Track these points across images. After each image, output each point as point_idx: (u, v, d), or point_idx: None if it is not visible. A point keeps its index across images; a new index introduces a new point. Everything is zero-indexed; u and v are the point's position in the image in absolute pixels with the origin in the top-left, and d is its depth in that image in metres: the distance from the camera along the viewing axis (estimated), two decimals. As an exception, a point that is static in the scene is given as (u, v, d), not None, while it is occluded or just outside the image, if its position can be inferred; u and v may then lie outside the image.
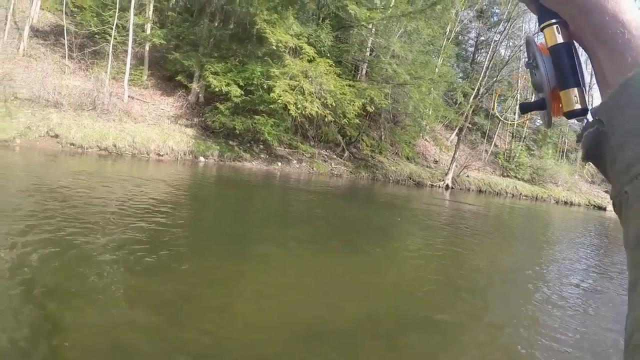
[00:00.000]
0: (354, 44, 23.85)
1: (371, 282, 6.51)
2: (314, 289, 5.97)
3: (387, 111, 23.91)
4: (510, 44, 34.98)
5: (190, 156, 20.04)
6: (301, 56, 21.33)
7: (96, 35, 21.74)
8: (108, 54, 21.07)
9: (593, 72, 0.54)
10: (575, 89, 0.54)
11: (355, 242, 8.98)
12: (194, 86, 21.91)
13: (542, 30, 0.57)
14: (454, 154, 24.63)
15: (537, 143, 39.72)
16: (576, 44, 0.56)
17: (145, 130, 19.94)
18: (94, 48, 21.91)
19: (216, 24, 22.77)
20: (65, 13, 22.05)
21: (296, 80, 20.32)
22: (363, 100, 21.66)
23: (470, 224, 14.43)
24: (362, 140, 24.58)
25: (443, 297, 6.44)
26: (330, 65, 21.40)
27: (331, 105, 20.70)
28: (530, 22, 35.07)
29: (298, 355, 4.20)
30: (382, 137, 25.19)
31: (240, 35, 22.82)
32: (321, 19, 23.84)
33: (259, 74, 20.57)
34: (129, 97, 21.09)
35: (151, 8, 23.07)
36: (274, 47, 20.60)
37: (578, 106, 0.54)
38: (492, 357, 4.68)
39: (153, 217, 8.54)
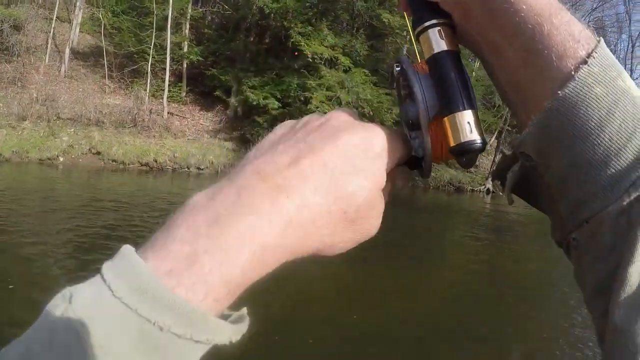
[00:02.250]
0: (389, 52, 23.75)
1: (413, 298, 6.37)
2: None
3: (424, 118, 23.66)
4: None
5: (230, 169, 20.03)
6: (337, 67, 21.31)
7: (135, 55, 22.25)
8: (147, 73, 21.50)
9: (494, 82, 0.39)
10: (469, 112, 0.38)
11: (398, 256, 8.71)
12: (232, 100, 22.10)
13: (417, 37, 0.41)
14: (493, 158, 24.15)
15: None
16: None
17: (185, 145, 20.16)
18: (132, 67, 22.39)
19: (252, 39, 23.02)
20: (104, 35, 22.58)
21: (333, 91, 20.27)
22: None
23: (517, 229, 13.98)
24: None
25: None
26: (366, 75, 21.29)
27: (369, 114, 20.54)
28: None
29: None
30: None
31: (275, 48, 22.99)
32: (355, 28, 23.82)
33: (295, 86, 20.62)
34: (168, 113, 21.41)
35: (187, 26, 23.48)
36: (309, 59, 20.64)
37: (474, 136, 0.38)
38: None
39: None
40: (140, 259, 0.29)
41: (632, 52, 40.39)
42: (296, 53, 20.87)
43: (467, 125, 0.38)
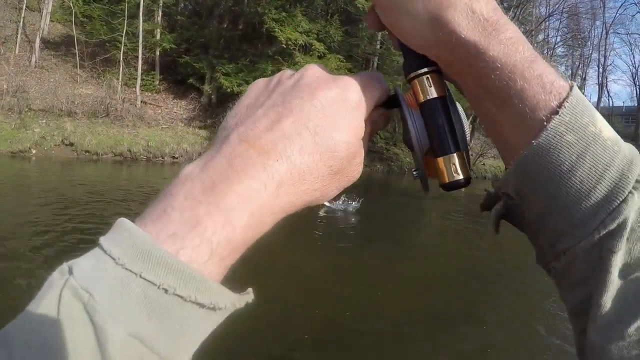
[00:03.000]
0: (364, 38, 23.70)
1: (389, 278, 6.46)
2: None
3: (400, 103, 23.74)
4: (522, 29, 33.42)
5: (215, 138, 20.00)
6: (311, 53, 21.23)
7: (107, 44, 21.88)
8: (119, 61, 21.20)
9: (479, 121, 0.43)
10: (454, 156, 0.42)
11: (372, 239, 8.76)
12: (206, 88, 21.92)
13: (409, 82, 0.44)
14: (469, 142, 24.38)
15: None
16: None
17: (159, 134, 19.99)
18: (105, 56, 22.05)
19: (225, 26, 22.82)
20: (75, 23, 22.17)
21: (307, 77, 20.19)
22: (376, 93, 21.45)
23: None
24: (376, 133, 24.32)
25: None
26: (340, 61, 21.29)
27: (344, 99, 20.55)
28: (540, 6, 34.67)
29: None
30: (396, 129, 24.98)
31: (249, 35, 22.84)
32: (329, 14, 23.74)
33: (270, 72, 20.43)
34: (141, 102, 21.18)
35: (160, 13, 23.17)
36: (283, 45, 20.52)
37: (458, 177, 0.42)
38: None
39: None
40: (139, 228, 0.31)
41: (606, 38, 40.85)
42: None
43: (452, 166, 0.42)
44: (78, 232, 7.39)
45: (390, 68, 23.41)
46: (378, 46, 24.42)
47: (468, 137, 0.45)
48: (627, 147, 0.37)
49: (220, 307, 0.32)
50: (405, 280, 6.45)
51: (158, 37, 22.48)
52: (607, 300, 0.34)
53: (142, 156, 19.07)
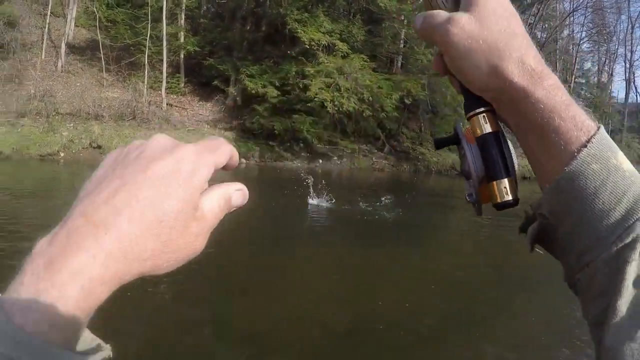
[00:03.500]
0: (387, 37, 23.59)
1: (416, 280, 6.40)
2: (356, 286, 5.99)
3: (425, 102, 23.51)
4: (546, 25, 33.80)
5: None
6: (335, 53, 21.19)
7: (131, 47, 22.11)
8: (144, 65, 21.37)
9: (524, 151, 0.52)
10: (505, 180, 0.51)
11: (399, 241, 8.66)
12: (231, 90, 22.04)
13: (468, 119, 0.53)
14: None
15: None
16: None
17: (186, 136, 20.09)
18: (130, 60, 22.27)
19: (248, 28, 22.90)
20: (99, 28, 22.42)
21: (331, 78, 20.19)
22: (400, 92, 21.34)
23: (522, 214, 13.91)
24: (402, 133, 24.24)
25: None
26: (364, 60, 21.22)
27: (368, 100, 20.48)
28: (564, 1, 34.21)
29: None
30: (422, 129, 24.81)
31: (272, 36, 22.89)
32: (352, 14, 23.67)
33: (294, 73, 20.55)
34: (167, 104, 21.35)
35: (183, 17, 23.33)
36: (307, 45, 20.56)
37: (509, 198, 0.51)
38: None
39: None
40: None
41: (631, 33, 40.21)
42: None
43: (504, 189, 0.50)
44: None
45: (414, 67, 23.28)
46: (402, 45, 24.30)
47: (516, 166, 0.52)
48: None
49: None
50: (435, 280, 6.39)
51: (182, 40, 22.66)
52: (622, 305, 0.40)
53: (169, 158, 19.17)
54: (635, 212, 0.42)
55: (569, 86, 36.20)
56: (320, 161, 21.74)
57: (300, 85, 20.40)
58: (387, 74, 22.87)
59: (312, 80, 19.85)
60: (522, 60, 0.47)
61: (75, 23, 24.66)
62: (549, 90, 0.46)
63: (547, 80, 0.46)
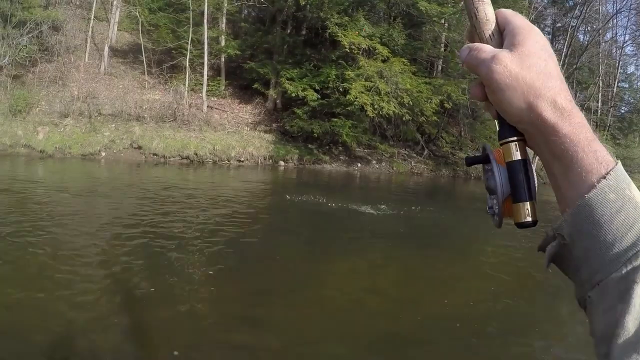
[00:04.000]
0: (427, 41, 23.42)
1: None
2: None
3: (465, 107, 23.24)
4: (588, 28, 32.96)
5: (270, 161, 20.18)
6: (375, 57, 21.12)
7: (173, 51, 22.46)
8: (185, 68, 21.64)
9: (548, 177, 0.57)
10: (527, 203, 0.57)
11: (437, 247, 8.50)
12: (271, 93, 22.16)
13: (501, 145, 0.59)
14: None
15: (622, 131, 37.21)
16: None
17: (225, 138, 20.27)
18: (171, 63, 22.62)
19: (288, 31, 23.01)
20: (142, 32, 22.80)
21: (371, 81, 20.11)
22: (440, 97, 21.14)
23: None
24: (442, 137, 24.02)
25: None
26: (404, 64, 21.05)
27: (408, 104, 20.31)
28: (607, 3, 33.38)
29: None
30: (462, 133, 24.54)
31: (313, 40, 22.98)
32: (392, 17, 23.56)
33: (334, 77, 20.53)
34: (208, 107, 21.56)
35: (224, 21, 23.62)
36: (347, 49, 20.52)
37: (529, 219, 0.57)
38: None
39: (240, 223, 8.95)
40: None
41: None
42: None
43: (525, 211, 0.56)
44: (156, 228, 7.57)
45: (454, 71, 23.03)
46: (442, 49, 24.06)
47: (536, 190, 0.58)
48: None
49: None
50: (473, 287, 6.26)
51: (223, 43, 22.92)
52: (630, 321, 0.44)
53: (208, 159, 19.37)
54: None
55: (612, 90, 35.40)
56: (359, 165, 21.68)
57: (340, 89, 20.40)
58: (427, 77, 22.66)
59: (351, 84, 19.80)
60: (554, 99, 0.52)
61: (118, 27, 25.21)
62: (576, 127, 0.52)
63: (574, 118, 0.52)
